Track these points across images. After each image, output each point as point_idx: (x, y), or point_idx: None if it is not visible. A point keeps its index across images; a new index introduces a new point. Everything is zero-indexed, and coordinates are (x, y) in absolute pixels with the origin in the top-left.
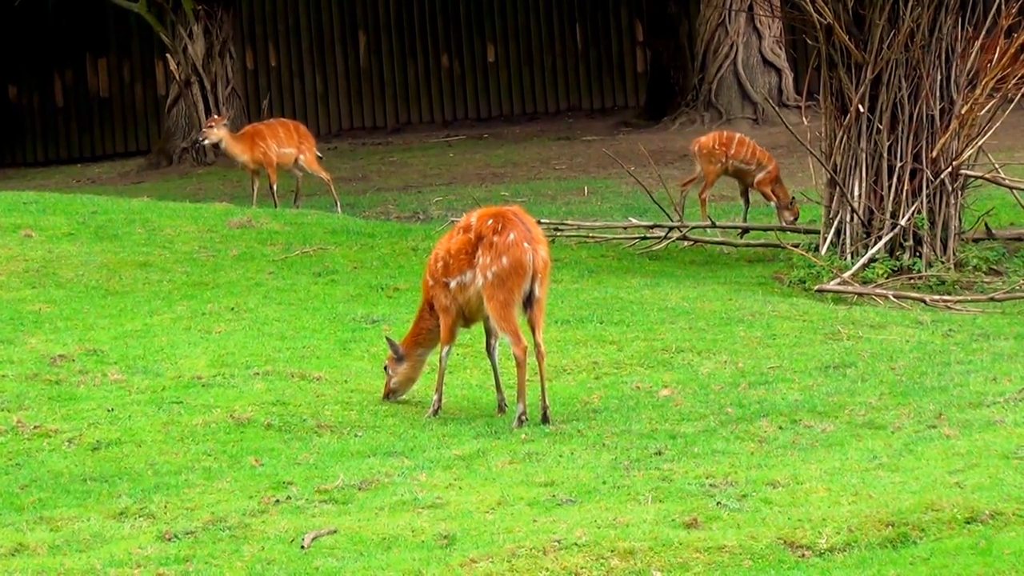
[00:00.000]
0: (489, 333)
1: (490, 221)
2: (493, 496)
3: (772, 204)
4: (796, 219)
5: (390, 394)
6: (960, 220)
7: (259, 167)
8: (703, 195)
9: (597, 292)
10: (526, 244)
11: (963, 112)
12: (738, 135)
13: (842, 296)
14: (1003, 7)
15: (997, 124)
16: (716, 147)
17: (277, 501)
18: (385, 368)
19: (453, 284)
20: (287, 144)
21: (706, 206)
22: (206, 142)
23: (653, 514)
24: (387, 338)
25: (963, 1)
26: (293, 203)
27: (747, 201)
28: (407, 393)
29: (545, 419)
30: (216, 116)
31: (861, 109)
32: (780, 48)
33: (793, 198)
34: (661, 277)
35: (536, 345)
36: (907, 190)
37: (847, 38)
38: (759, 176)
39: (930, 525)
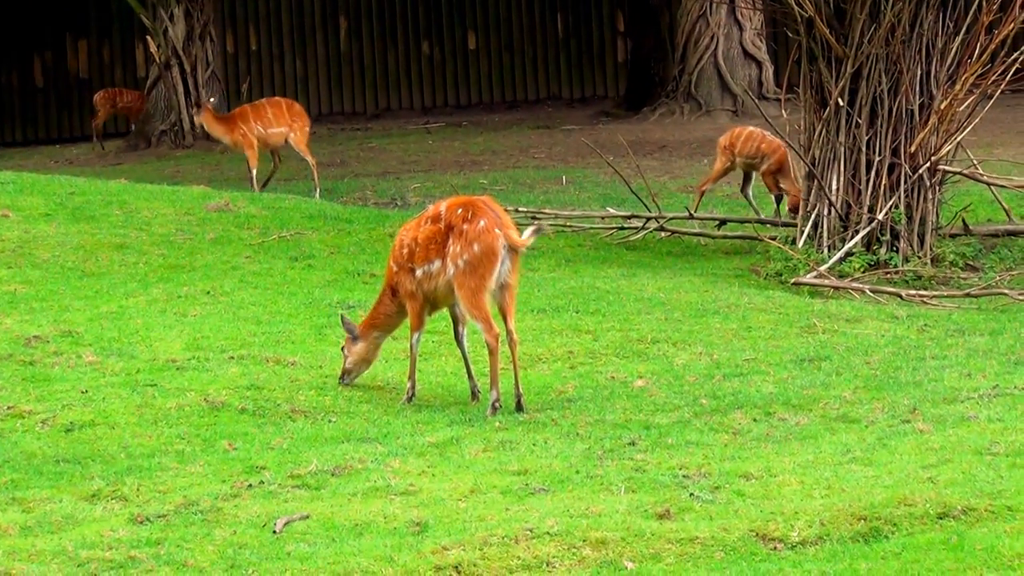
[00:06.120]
0: (456, 320)
1: (459, 210)
2: (466, 484)
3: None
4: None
5: (345, 375)
6: (937, 215)
7: (238, 148)
8: (702, 187)
9: (573, 281)
10: (497, 230)
11: (942, 108)
12: (748, 129)
13: (818, 289)
14: (984, 3)
15: (976, 120)
16: (728, 143)
17: (250, 485)
18: (342, 349)
19: (419, 272)
20: (276, 124)
21: (700, 199)
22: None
23: (626, 504)
24: (341, 316)
25: None
26: (259, 187)
27: (778, 199)
28: (362, 376)
29: (519, 407)
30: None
31: (841, 103)
32: (761, 40)
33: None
34: (638, 267)
35: (508, 332)
36: (885, 185)
37: (828, 32)
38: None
39: (902, 520)
